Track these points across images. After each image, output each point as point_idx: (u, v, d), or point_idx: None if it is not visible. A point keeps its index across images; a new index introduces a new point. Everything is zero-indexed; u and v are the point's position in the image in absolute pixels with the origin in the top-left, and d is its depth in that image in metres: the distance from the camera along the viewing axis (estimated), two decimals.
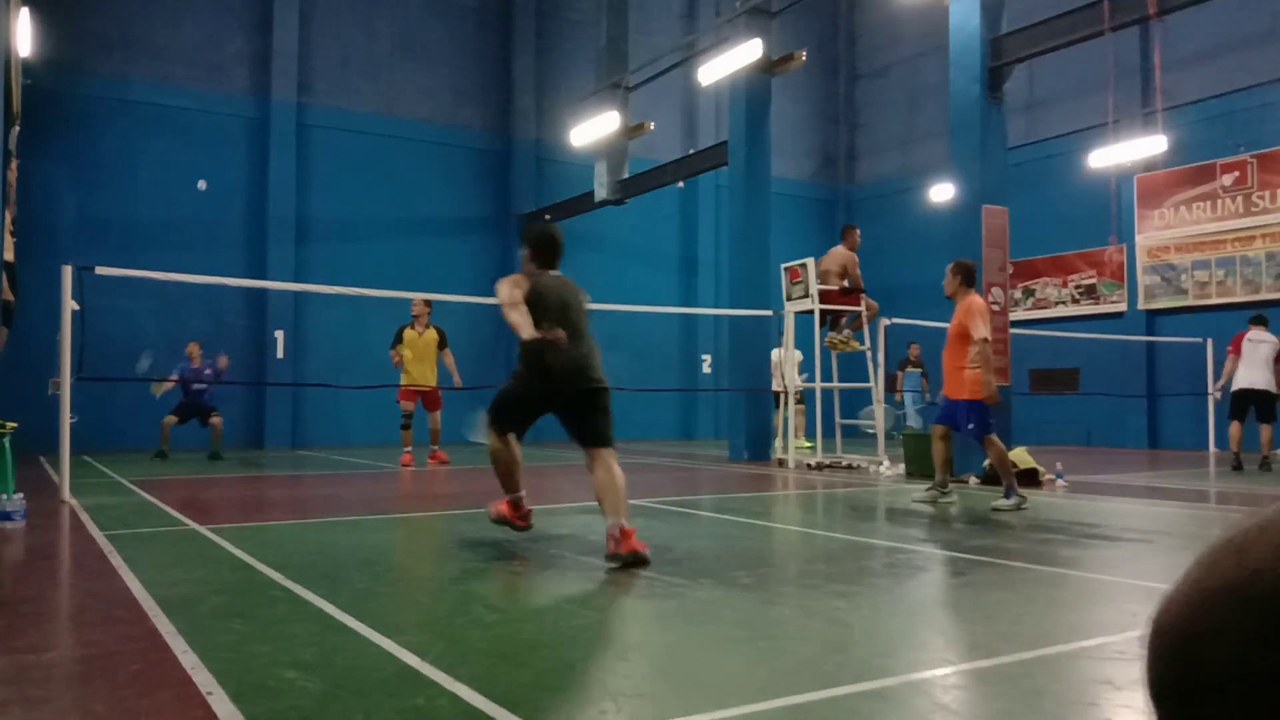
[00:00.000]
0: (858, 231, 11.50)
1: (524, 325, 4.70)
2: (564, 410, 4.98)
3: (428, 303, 11.25)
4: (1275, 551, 0.43)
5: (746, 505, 7.47)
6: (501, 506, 5.23)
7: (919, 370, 16.84)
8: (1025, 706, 2.49)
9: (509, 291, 4.87)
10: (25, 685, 2.64)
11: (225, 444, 12.94)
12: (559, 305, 4.93)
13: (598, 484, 4.76)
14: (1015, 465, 8.84)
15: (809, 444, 12.28)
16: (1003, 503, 6.90)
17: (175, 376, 12.32)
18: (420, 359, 11.24)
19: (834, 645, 3.12)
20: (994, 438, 7.15)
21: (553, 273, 5.14)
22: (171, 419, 12.37)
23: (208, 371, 12.45)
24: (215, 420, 12.46)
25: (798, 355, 12.32)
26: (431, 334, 11.34)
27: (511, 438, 5.12)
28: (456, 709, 2.42)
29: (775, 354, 12.21)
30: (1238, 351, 11.18)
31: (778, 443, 12.26)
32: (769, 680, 2.69)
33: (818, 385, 11.57)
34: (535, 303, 4.86)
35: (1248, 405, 11.00)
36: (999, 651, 3.02)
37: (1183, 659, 0.45)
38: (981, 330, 6.97)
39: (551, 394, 4.93)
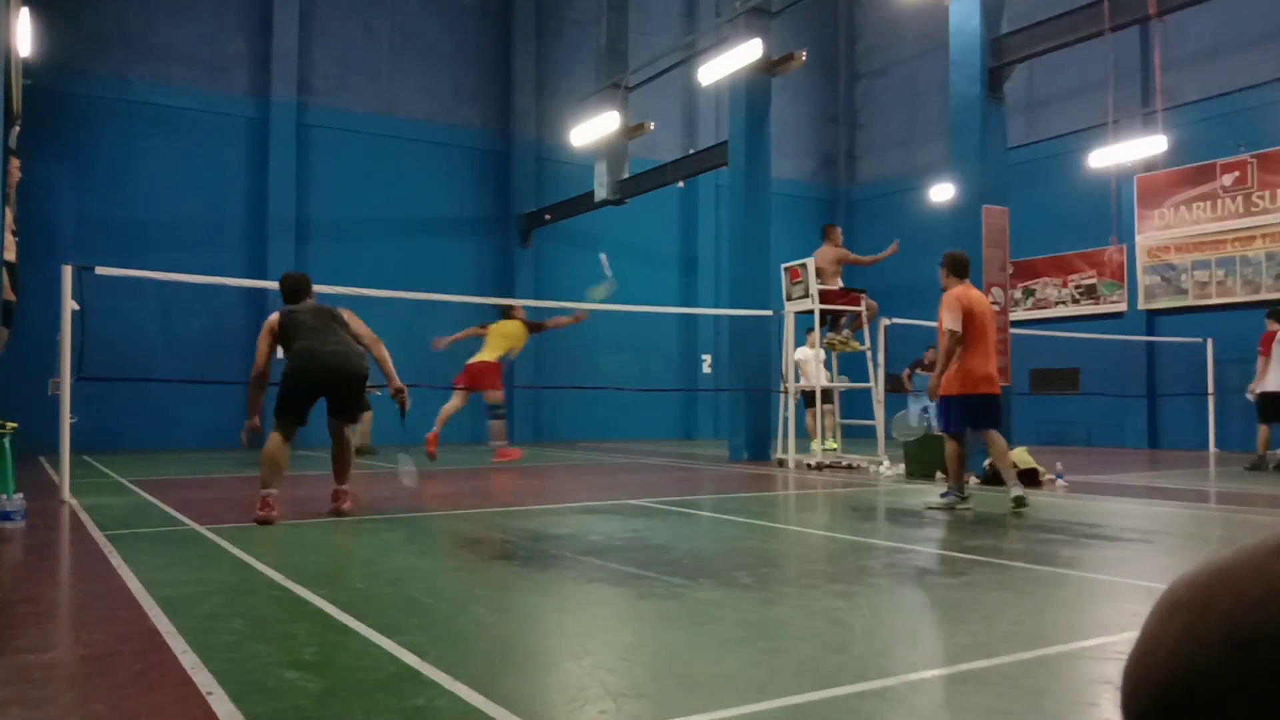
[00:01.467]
0: (838, 229, 11.47)
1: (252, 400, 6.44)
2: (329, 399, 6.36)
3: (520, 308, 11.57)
4: (1275, 591, 0.38)
5: (746, 505, 7.47)
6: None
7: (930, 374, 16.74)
8: (1025, 706, 2.49)
9: (261, 348, 6.36)
10: (25, 685, 2.64)
11: (224, 443, 12.95)
12: (322, 324, 6.35)
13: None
14: (1016, 465, 8.86)
15: (833, 445, 12.16)
16: (936, 500, 6.89)
17: None
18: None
19: (834, 645, 3.12)
20: (951, 440, 6.90)
21: (307, 303, 6.58)
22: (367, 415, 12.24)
23: None
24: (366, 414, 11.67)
25: (822, 354, 12.09)
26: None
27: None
28: (456, 709, 2.42)
29: (800, 352, 11.93)
30: (1268, 352, 11.01)
31: (814, 445, 12.14)
32: (769, 680, 2.69)
33: (818, 385, 11.57)
34: (288, 326, 6.27)
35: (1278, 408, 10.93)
36: (999, 651, 3.02)
37: (1174, 707, 0.40)
38: (946, 322, 6.69)
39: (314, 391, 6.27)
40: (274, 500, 6.08)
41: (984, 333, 6.81)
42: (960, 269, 6.99)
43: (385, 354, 6.56)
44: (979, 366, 6.78)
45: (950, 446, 6.97)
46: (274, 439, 6.14)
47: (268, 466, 6.09)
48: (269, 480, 6.07)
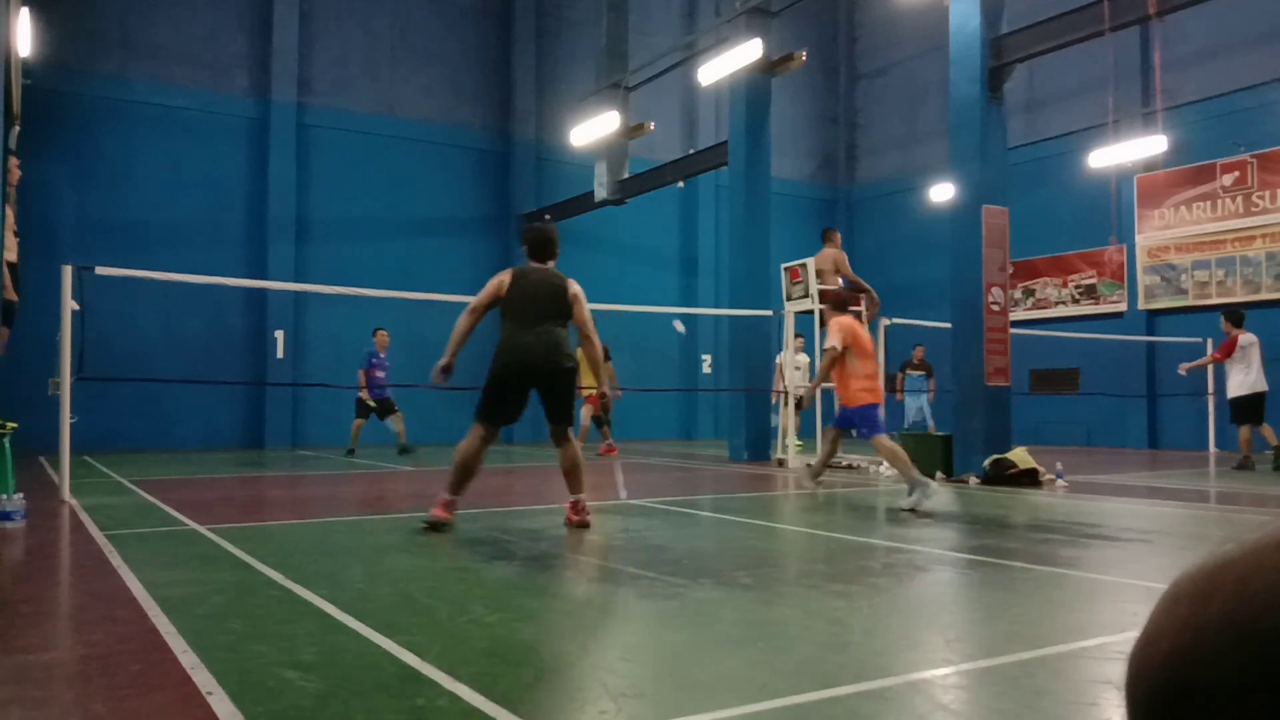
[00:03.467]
0: (838, 233, 11.52)
1: (450, 345, 5.82)
2: (541, 394, 5.83)
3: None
4: (1277, 583, 0.37)
5: (746, 505, 7.47)
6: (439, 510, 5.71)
7: (922, 372, 16.75)
8: (1025, 706, 2.49)
9: (482, 295, 5.88)
10: (25, 685, 2.64)
11: (224, 443, 12.98)
12: (520, 299, 5.81)
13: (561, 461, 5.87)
14: (1017, 465, 8.85)
15: (799, 443, 12.31)
16: (905, 500, 7.02)
17: (364, 382, 12.72)
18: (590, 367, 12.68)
19: (834, 645, 3.12)
20: (881, 438, 7.35)
21: (536, 266, 6.02)
22: (360, 422, 12.88)
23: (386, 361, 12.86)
24: (397, 415, 12.86)
25: (803, 359, 12.33)
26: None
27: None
28: (456, 709, 2.42)
29: (780, 356, 12.32)
30: (1227, 355, 11.21)
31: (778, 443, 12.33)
32: (769, 680, 2.69)
33: (818, 385, 11.55)
34: (512, 294, 5.81)
35: (1257, 408, 11.06)
36: (999, 651, 3.02)
37: (1175, 698, 0.39)
38: (828, 341, 7.59)
39: (515, 382, 5.77)
40: (451, 505, 5.72)
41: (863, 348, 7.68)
42: (841, 306, 7.96)
43: (596, 352, 6.07)
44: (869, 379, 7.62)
45: (886, 443, 7.34)
46: (469, 438, 5.75)
47: (458, 467, 5.70)
48: (454, 483, 5.73)
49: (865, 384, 7.52)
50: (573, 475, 5.79)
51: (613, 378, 12.78)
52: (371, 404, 12.83)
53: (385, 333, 13.01)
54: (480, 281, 18.10)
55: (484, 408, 5.77)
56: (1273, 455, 11.04)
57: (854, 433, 7.75)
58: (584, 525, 5.77)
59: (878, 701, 2.53)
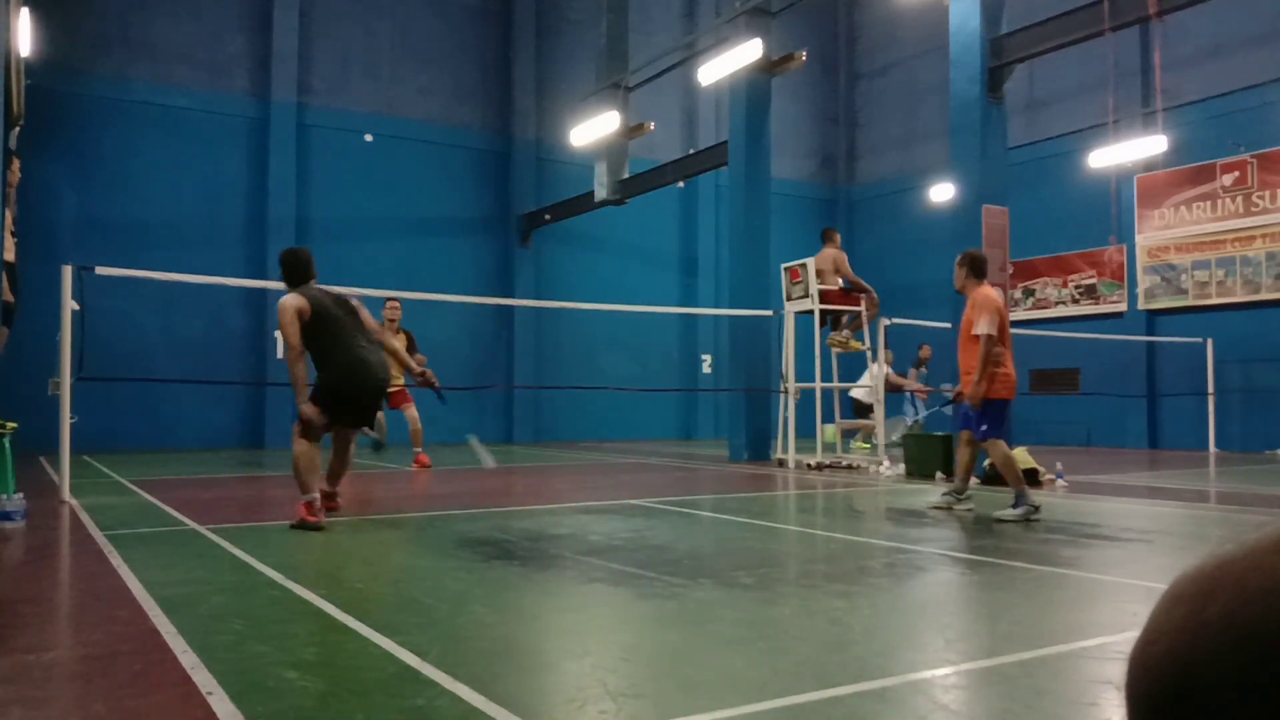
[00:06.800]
0: (837, 233, 11.51)
1: (301, 390, 5.80)
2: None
3: (399, 306, 11.34)
4: (1276, 583, 0.38)
5: (746, 505, 7.47)
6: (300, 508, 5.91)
7: (927, 371, 16.70)
8: (1025, 706, 2.49)
9: (294, 331, 5.66)
10: (25, 685, 2.64)
11: (224, 443, 12.98)
12: (350, 319, 5.95)
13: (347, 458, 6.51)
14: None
15: (867, 445, 12.22)
16: (1008, 512, 6.36)
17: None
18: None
19: (834, 645, 3.12)
20: (998, 442, 6.57)
21: (316, 285, 6.02)
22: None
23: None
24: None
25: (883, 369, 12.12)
26: (401, 338, 11.19)
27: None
28: (456, 709, 2.42)
29: (874, 367, 12.05)
30: None
31: (854, 443, 12.11)
32: (769, 680, 2.69)
33: (817, 385, 11.56)
34: (322, 317, 5.76)
35: None
36: (999, 651, 3.02)
37: (1175, 698, 0.39)
38: (983, 326, 6.39)
39: (365, 400, 6.02)
40: (313, 505, 5.95)
41: (1008, 334, 6.68)
42: (982, 270, 6.75)
43: (395, 343, 6.54)
44: (1013, 370, 6.61)
45: (1002, 450, 6.55)
46: (306, 445, 5.91)
47: (310, 471, 5.87)
48: (311, 484, 5.89)
49: (1001, 373, 6.46)
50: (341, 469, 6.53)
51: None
52: None
53: None
54: (481, 282, 18.22)
55: (318, 426, 5.86)
56: None
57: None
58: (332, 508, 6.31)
59: (878, 701, 2.53)
